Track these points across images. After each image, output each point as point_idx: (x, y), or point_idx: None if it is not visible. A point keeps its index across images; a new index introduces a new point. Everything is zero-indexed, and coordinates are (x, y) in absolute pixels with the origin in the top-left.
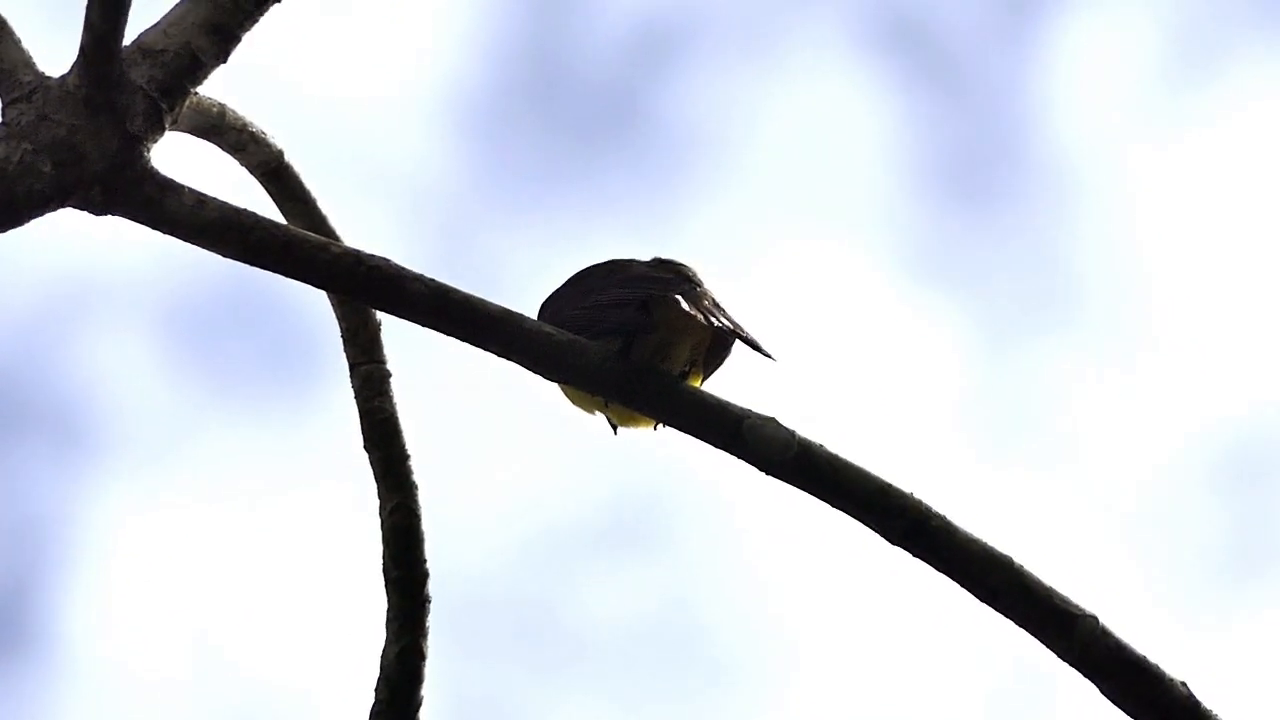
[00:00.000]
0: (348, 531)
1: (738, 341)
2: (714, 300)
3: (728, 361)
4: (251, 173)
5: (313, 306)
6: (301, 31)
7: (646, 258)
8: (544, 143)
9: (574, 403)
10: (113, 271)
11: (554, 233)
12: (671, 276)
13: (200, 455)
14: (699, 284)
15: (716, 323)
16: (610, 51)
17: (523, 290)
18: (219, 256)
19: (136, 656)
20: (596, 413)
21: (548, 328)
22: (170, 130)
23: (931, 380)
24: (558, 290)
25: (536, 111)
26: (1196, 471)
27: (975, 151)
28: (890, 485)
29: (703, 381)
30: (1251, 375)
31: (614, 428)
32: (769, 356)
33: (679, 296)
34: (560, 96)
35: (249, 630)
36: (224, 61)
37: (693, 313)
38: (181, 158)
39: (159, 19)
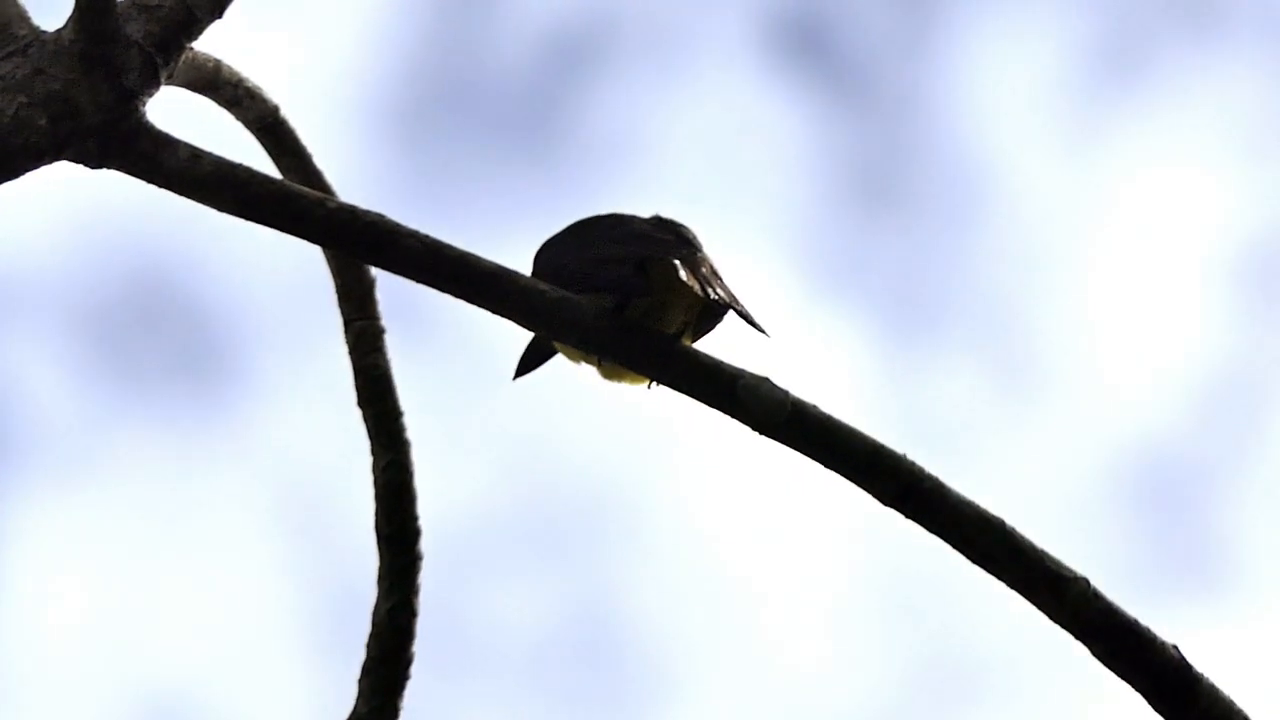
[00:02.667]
0: (276, 534)
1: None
2: (712, 268)
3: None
4: (247, 127)
5: (223, 306)
6: (210, 35)
7: (647, 214)
8: (457, 148)
9: (564, 354)
10: (12, 273)
11: (468, 238)
12: (672, 239)
13: (111, 457)
14: (698, 249)
15: (713, 294)
16: (523, 58)
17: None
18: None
19: (56, 666)
20: (583, 363)
21: (542, 285)
22: (166, 85)
23: (832, 391)
24: (555, 238)
25: (449, 116)
26: (1102, 489)
27: (883, 159)
28: (883, 447)
29: (692, 344)
30: (1159, 394)
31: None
32: (763, 331)
33: (677, 262)
34: (473, 102)
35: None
36: (219, 17)
37: (690, 281)
38: (177, 112)
39: None
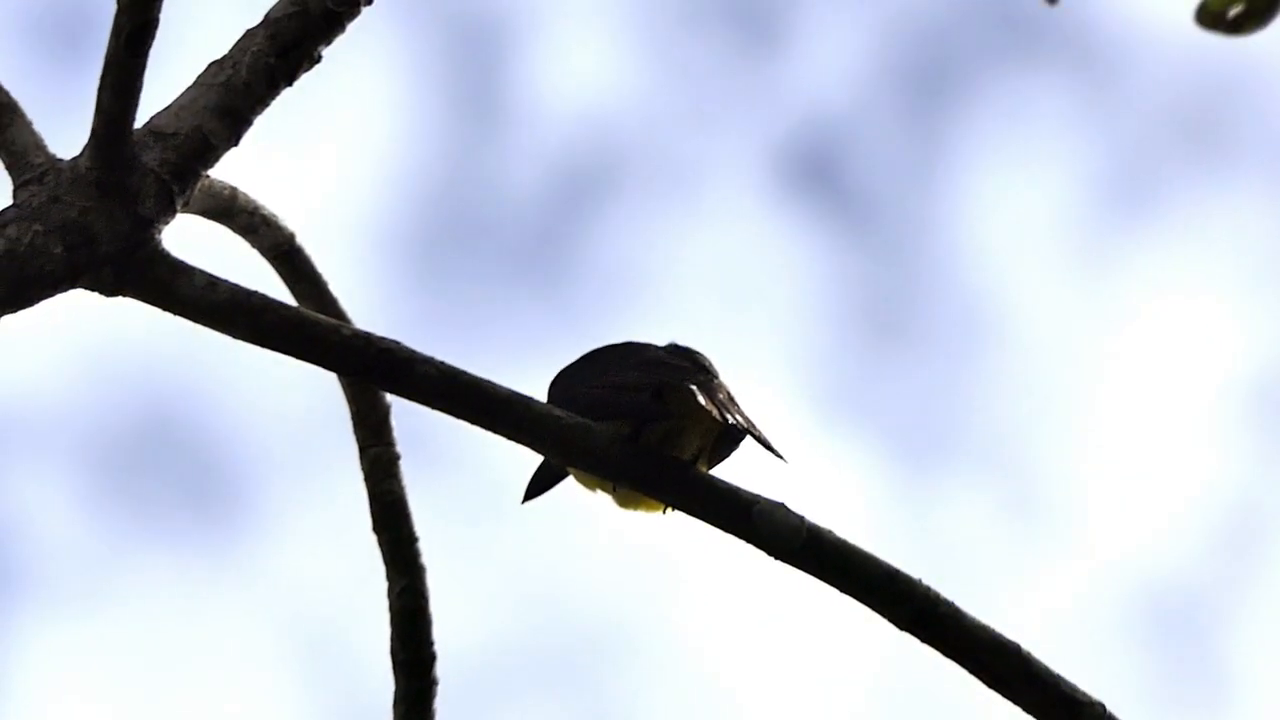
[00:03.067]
0: (288, 661)
1: (748, 438)
2: (729, 394)
3: (733, 455)
4: (263, 255)
5: (232, 434)
6: (223, 167)
7: (662, 342)
8: (469, 276)
9: (579, 481)
10: (25, 404)
11: (480, 365)
12: (688, 365)
13: (121, 586)
14: (714, 375)
15: (731, 419)
16: (534, 187)
17: None
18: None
19: None
20: (599, 491)
21: (557, 411)
22: (181, 212)
23: (842, 517)
24: (571, 366)
25: (461, 245)
26: (1110, 616)
27: (892, 287)
28: (898, 571)
29: (708, 470)
30: (1168, 523)
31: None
32: (780, 457)
33: (694, 387)
34: (485, 231)
35: None
36: (235, 144)
37: (708, 406)
38: (193, 239)
39: (170, 102)
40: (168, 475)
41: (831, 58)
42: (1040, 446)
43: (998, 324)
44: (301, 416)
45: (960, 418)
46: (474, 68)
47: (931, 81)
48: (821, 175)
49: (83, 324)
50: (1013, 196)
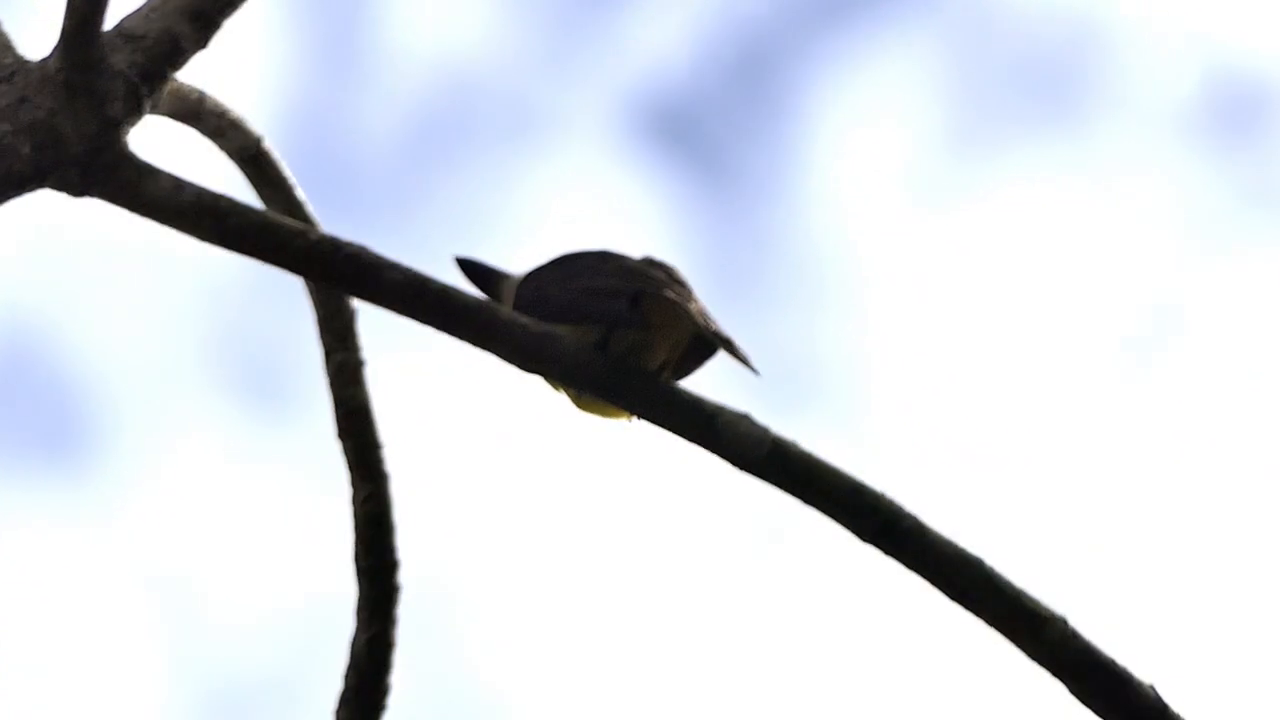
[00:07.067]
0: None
1: (717, 355)
2: (703, 308)
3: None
4: (230, 158)
5: (84, 373)
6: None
7: (637, 255)
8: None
9: (543, 379)
10: None
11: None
12: (663, 277)
13: None
14: (689, 288)
15: (712, 328)
16: (388, 135)
17: None
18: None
19: None
20: (560, 391)
21: (523, 319)
22: (150, 114)
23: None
24: (541, 267)
25: (312, 193)
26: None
27: (742, 240)
28: (863, 484)
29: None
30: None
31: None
32: (754, 370)
33: (672, 296)
34: (337, 178)
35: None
36: (204, 47)
37: (690, 315)
38: (161, 142)
39: (141, 4)
40: (22, 411)
41: (683, 7)
42: (887, 384)
43: (849, 269)
44: (160, 354)
45: (816, 362)
46: (332, 11)
47: (781, 33)
48: (673, 125)
49: None
50: (862, 145)
